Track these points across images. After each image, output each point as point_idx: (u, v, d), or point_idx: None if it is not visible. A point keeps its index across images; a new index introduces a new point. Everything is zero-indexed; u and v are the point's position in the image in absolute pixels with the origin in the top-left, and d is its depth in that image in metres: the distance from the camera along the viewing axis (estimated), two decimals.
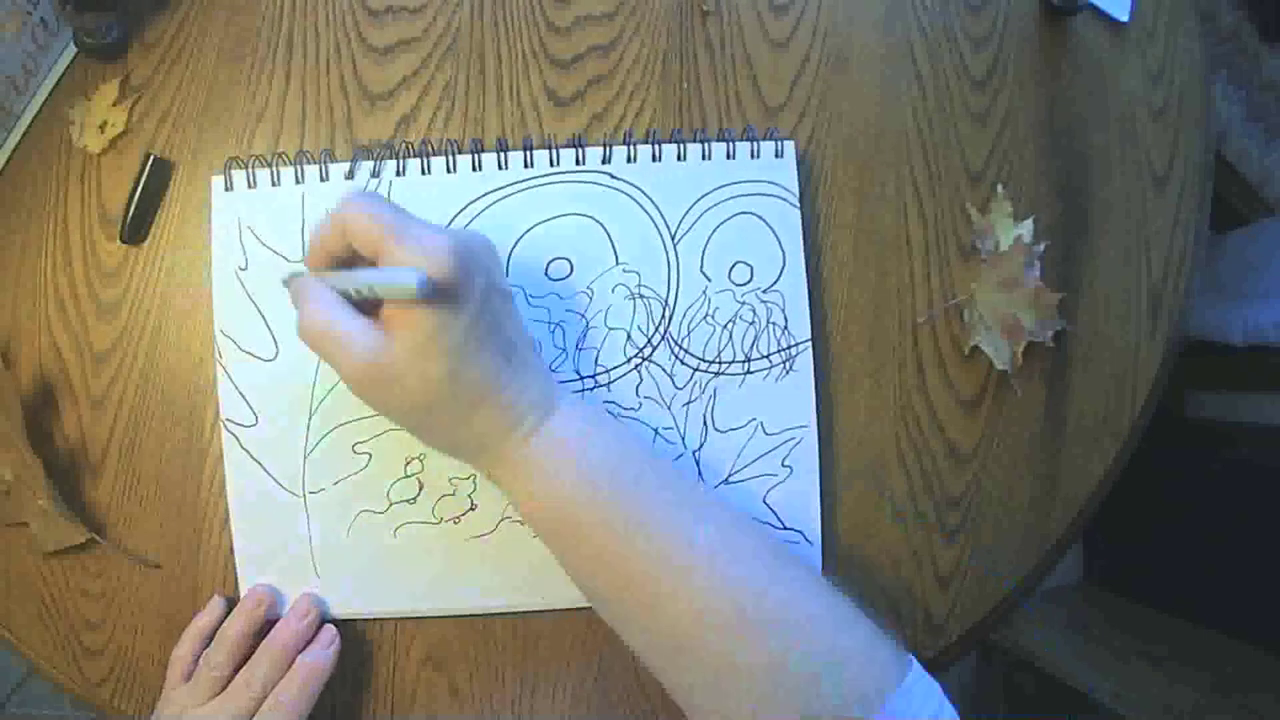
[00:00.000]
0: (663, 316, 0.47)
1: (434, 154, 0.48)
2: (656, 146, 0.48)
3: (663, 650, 0.38)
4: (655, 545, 0.37)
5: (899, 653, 0.37)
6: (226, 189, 0.47)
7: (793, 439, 0.47)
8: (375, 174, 0.47)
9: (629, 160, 0.47)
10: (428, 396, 0.36)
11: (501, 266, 0.41)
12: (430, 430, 0.39)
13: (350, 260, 0.37)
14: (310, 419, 0.46)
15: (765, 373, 0.47)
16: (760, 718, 0.35)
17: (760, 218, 0.48)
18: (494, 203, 0.47)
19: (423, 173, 0.47)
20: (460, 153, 0.47)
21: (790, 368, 0.47)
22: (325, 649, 0.45)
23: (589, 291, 0.47)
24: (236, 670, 0.43)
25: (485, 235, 0.39)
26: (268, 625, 0.45)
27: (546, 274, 0.47)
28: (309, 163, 0.47)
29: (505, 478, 0.39)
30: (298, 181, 0.47)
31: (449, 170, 0.47)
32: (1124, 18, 0.51)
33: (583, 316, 0.47)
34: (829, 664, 0.35)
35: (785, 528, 0.47)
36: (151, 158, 0.48)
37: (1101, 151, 0.51)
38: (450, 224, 0.47)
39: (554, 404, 0.39)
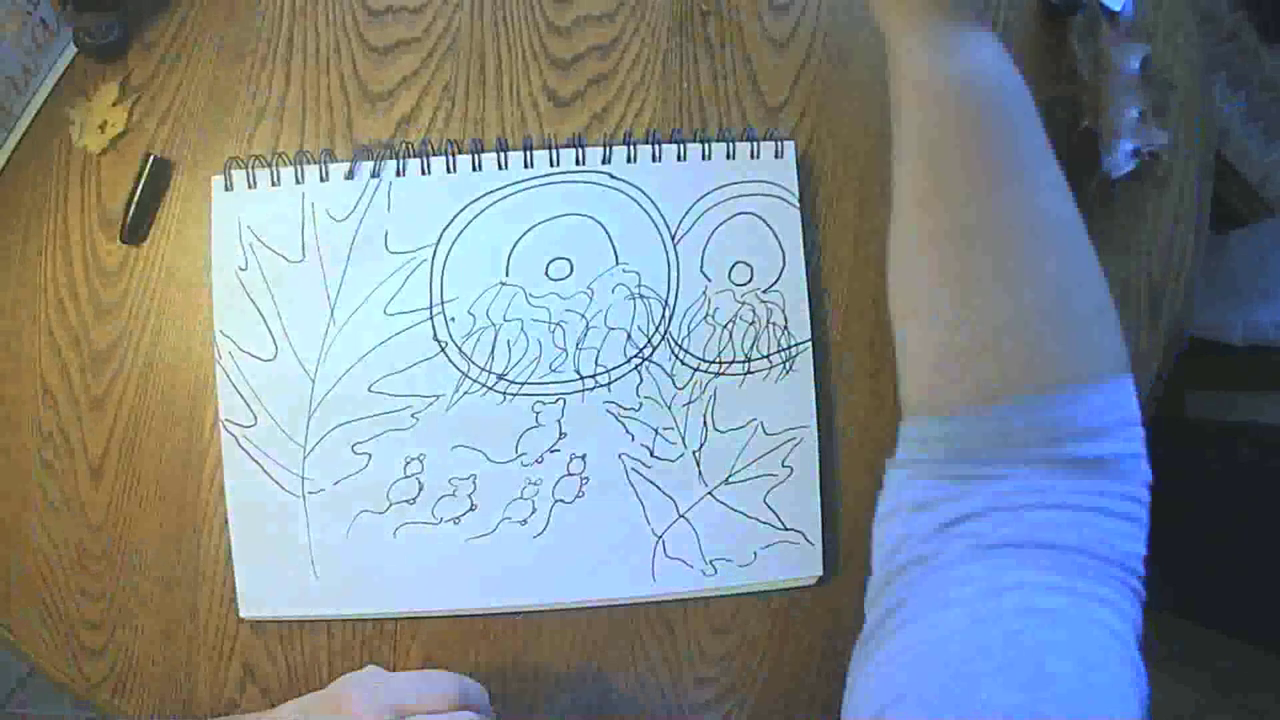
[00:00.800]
0: (663, 316, 0.47)
1: (434, 154, 0.48)
2: (656, 147, 0.47)
3: (966, 235, 0.35)
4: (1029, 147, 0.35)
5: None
6: (226, 189, 0.47)
7: (793, 439, 0.47)
8: (375, 174, 0.47)
9: (629, 160, 0.47)
10: None
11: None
12: None
13: None
14: (310, 419, 0.46)
15: (765, 373, 0.47)
16: (1028, 328, 0.34)
17: (760, 218, 0.48)
18: (494, 203, 0.47)
19: (423, 173, 0.47)
20: (460, 153, 0.47)
21: (790, 368, 0.47)
22: None
23: (589, 291, 0.47)
24: None
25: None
26: None
27: (546, 274, 0.47)
28: (309, 163, 0.47)
29: (921, 47, 0.36)
30: (298, 181, 0.47)
31: (449, 170, 0.47)
32: (1116, 7, 0.51)
33: (583, 316, 0.47)
34: (1106, 310, 0.35)
35: (785, 528, 0.47)
36: (151, 158, 0.48)
37: None
38: (451, 223, 0.47)
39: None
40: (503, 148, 0.48)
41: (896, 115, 0.38)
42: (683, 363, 0.47)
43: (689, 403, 0.47)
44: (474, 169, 0.47)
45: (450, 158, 0.47)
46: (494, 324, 0.47)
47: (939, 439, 0.35)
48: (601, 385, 0.47)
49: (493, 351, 0.47)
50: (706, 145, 0.48)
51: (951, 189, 0.36)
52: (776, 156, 0.48)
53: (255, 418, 0.46)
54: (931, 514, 0.33)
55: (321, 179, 0.47)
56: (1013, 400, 0.33)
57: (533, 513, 0.46)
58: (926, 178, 0.37)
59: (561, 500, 0.47)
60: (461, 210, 0.47)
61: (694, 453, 0.47)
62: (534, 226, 0.47)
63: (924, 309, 0.37)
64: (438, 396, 0.46)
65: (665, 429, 0.47)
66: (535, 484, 0.46)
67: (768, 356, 0.47)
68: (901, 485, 0.36)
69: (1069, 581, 0.30)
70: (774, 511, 0.47)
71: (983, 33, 0.37)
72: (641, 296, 0.47)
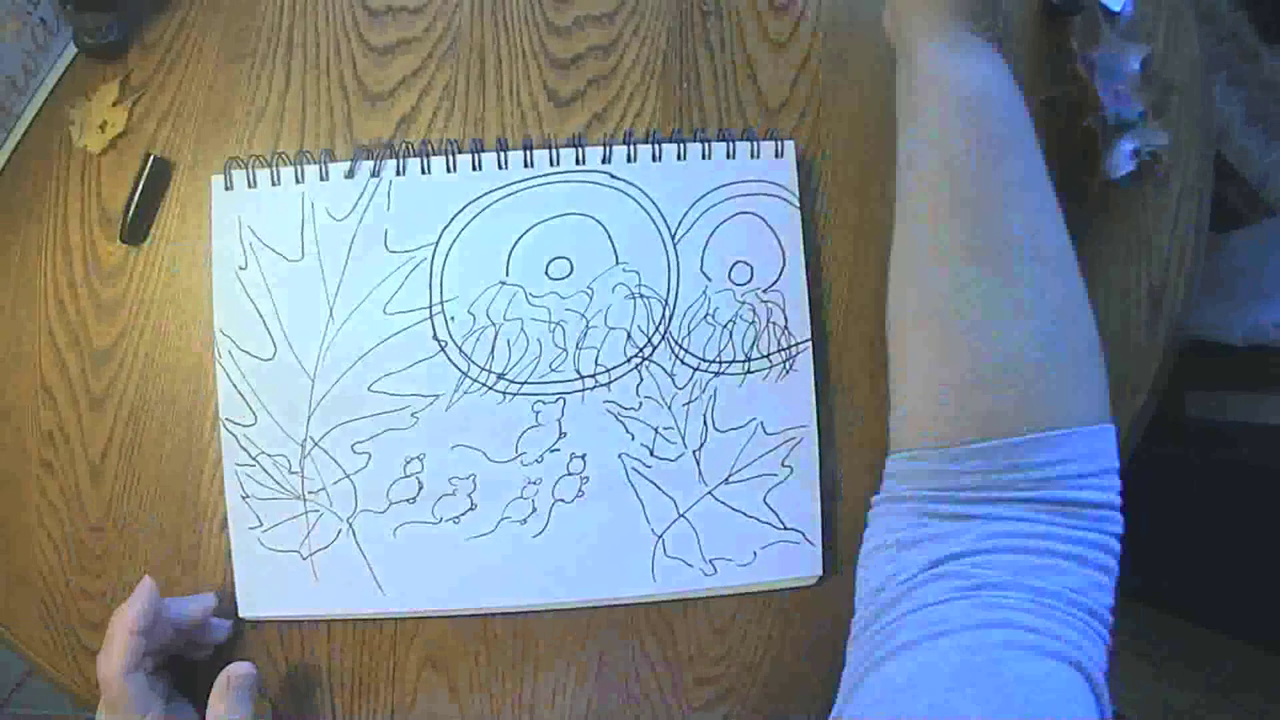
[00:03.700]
0: (663, 316, 0.47)
1: (434, 154, 0.48)
2: (657, 146, 0.48)
3: (971, 253, 0.36)
4: (1024, 161, 0.37)
5: None
6: (226, 189, 0.47)
7: (793, 439, 0.47)
8: (375, 174, 0.47)
9: (629, 160, 0.47)
10: None
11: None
12: None
13: None
14: (310, 419, 0.46)
15: (765, 373, 0.47)
16: (1029, 351, 0.35)
17: (760, 218, 0.48)
18: (494, 202, 0.47)
19: (423, 172, 0.47)
20: (460, 153, 0.47)
21: (790, 368, 0.47)
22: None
23: (589, 291, 0.47)
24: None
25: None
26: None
27: (546, 274, 0.47)
28: (309, 162, 0.47)
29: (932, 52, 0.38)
30: (298, 181, 0.47)
31: (449, 170, 0.47)
32: (1116, 7, 0.51)
33: (583, 316, 0.47)
34: (1095, 352, 0.36)
35: (785, 527, 0.47)
36: (151, 158, 0.48)
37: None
38: (451, 223, 0.47)
39: None
40: (503, 147, 0.48)
41: (911, 122, 0.38)
42: (683, 362, 0.47)
43: (689, 402, 0.47)
44: (474, 169, 0.47)
45: (450, 157, 0.47)
46: (494, 323, 0.47)
47: (926, 475, 0.35)
48: (601, 385, 0.47)
49: (493, 351, 0.47)
50: (706, 145, 0.48)
51: (966, 204, 0.36)
52: (776, 156, 0.48)
53: (255, 417, 0.46)
54: (918, 552, 0.34)
55: (321, 178, 0.47)
56: (1002, 439, 0.34)
57: (533, 512, 0.46)
58: (943, 189, 0.37)
59: (561, 500, 0.47)
60: (461, 210, 0.47)
61: (694, 452, 0.47)
62: (534, 226, 0.47)
63: (924, 330, 0.37)
64: (437, 396, 0.46)
65: (665, 428, 0.47)
66: (535, 483, 0.47)
67: (768, 356, 0.47)
68: (887, 522, 0.36)
69: (1048, 624, 0.31)
70: (774, 511, 0.47)
71: (994, 49, 0.38)
72: (641, 296, 0.47)
